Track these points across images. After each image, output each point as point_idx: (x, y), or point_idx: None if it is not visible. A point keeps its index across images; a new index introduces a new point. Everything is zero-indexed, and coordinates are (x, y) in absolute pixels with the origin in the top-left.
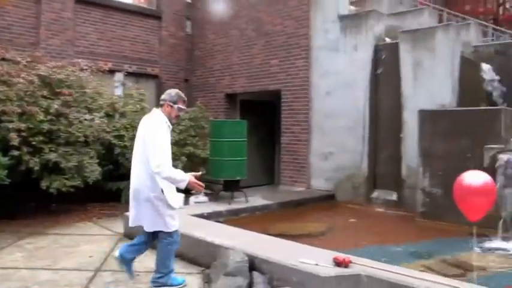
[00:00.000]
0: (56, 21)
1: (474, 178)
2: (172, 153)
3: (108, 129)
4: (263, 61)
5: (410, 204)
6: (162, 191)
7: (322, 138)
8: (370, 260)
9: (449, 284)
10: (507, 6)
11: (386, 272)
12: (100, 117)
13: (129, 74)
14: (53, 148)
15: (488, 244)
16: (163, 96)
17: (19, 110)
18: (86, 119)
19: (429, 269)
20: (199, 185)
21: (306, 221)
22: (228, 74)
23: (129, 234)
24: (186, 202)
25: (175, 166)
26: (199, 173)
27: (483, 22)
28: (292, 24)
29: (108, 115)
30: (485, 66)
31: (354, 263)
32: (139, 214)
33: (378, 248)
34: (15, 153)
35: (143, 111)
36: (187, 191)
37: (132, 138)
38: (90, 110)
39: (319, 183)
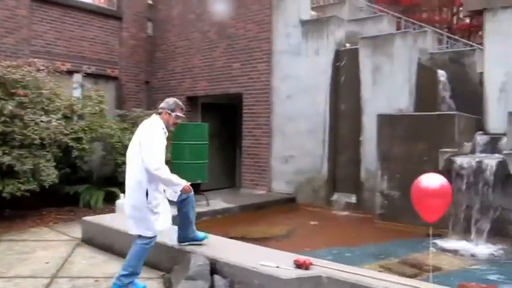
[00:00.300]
0: (10, 18)
1: (431, 180)
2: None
3: (65, 132)
4: (225, 64)
5: (369, 206)
6: (147, 194)
7: (283, 141)
8: (330, 262)
9: (406, 284)
10: (460, 16)
11: (346, 273)
12: (57, 119)
13: (87, 75)
14: (6, 151)
15: (444, 244)
16: (161, 105)
17: None
18: (42, 121)
19: (387, 270)
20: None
21: (267, 224)
22: (190, 77)
23: (87, 239)
24: None
25: None
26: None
27: (439, 30)
28: (254, 28)
29: (66, 117)
30: (441, 73)
31: (315, 264)
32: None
33: (338, 249)
34: None
35: (102, 113)
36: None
37: (91, 141)
38: (46, 112)
39: (280, 186)
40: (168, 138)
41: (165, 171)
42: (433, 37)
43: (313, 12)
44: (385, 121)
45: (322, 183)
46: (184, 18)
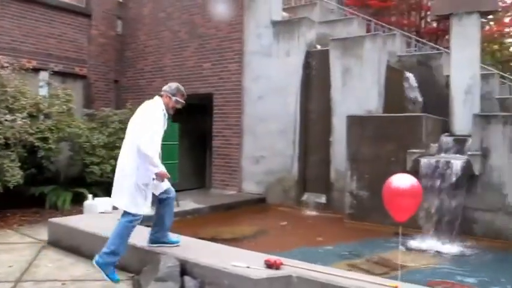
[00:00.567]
0: None
1: (402, 181)
2: (101, 156)
3: (31, 131)
4: (196, 64)
5: (338, 206)
6: (138, 169)
7: (253, 142)
8: (300, 262)
9: (375, 282)
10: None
11: (316, 272)
12: (22, 118)
13: (55, 73)
14: None
15: (412, 243)
16: (164, 88)
17: None
18: (6, 120)
19: (357, 268)
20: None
21: (237, 224)
22: (160, 76)
23: (53, 242)
24: (115, 207)
25: (102, 169)
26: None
27: (407, 34)
28: (226, 28)
29: (31, 116)
30: (409, 75)
31: (285, 264)
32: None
33: (308, 249)
34: None
35: (70, 113)
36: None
37: (58, 141)
38: (11, 110)
39: (251, 187)
40: None
41: (150, 148)
42: (401, 40)
43: (284, 13)
44: (355, 122)
45: (293, 184)
46: (155, 17)
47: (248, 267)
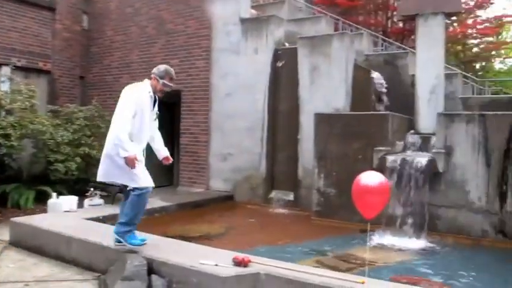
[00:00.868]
0: None
1: (370, 178)
2: (66, 153)
3: None
4: (163, 60)
5: (306, 204)
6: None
7: (221, 139)
8: (268, 259)
9: (342, 278)
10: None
11: (284, 269)
12: None
13: (17, 68)
14: None
15: (378, 239)
16: (153, 70)
17: None
18: None
19: (324, 265)
20: (134, 164)
21: (205, 222)
22: (127, 72)
23: (16, 242)
24: (80, 205)
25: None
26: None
27: (374, 33)
28: (194, 25)
29: None
30: (375, 74)
31: (253, 262)
32: (108, 170)
33: (276, 246)
34: None
35: (33, 109)
36: (81, 193)
37: (21, 138)
38: None
39: (218, 184)
40: None
41: (120, 130)
42: (368, 39)
43: (253, 11)
44: (322, 120)
45: (261, 181)
46: (122, 12)
47: (216, 265)
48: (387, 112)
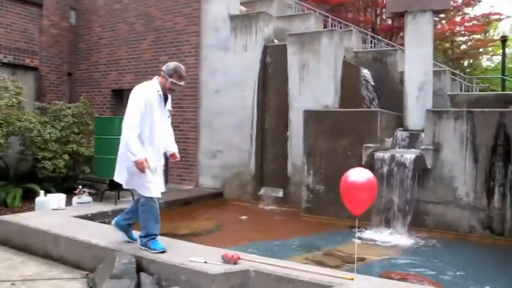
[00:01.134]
0: None
1: (358, 175)
2: (53, 151)
3: None
4: (152, 57)
5: (295, 200)
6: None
7: (210, 136)
8: (257, 256)
9: (331, 275)
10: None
11: (273, 266)
12: None
13: (3, 65)
14: None
15: (367, 236)
16: (163, 67)
17: None
18: None
19: (313, 262)
20: (143, 168)
21: (194, 219)
22: (115, 69)
23: (2, 241)
24: (68, 203)
25: (55, 165)
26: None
27: (363, 30)
28: (183, 21)
29: None
30: (364, 71)
31: (243, 259)
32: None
33: (265, 243)
34: None
35: (20, 106)
36: (69, 191)
37: (7, 135)
38: None
39: (207, 181)
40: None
41: (128, 132)
42: (357, 36)
43: (242, 8)
44: (312, 117)
45: (250, 178)
46: (110, 8)
47: (205, 262)
48: (376, 109)
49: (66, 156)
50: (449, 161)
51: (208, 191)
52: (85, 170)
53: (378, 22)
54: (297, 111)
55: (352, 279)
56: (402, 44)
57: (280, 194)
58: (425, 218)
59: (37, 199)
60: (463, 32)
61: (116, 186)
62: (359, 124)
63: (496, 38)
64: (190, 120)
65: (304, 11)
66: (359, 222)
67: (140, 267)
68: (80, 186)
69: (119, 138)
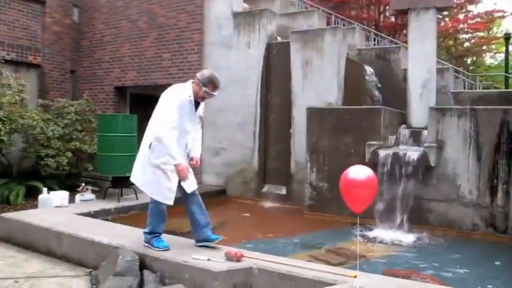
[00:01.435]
0: None
1: (358, 172)
2: (56, 148)
3: None
4: (155, 54)
5: (298, 198)
6: (150, 147)
7: (213, 133)
8: (261, 253)
9: (334, 272)
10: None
11: (277, 263)
12: None
13: (6, 62)
14: None
15: (370, 233)
16: (197, 74)
17: None
18: None
19: (316, 259)
20: (186, 175)
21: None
22: (118, 67)
23: (5, 238)
24: (71, 200)
25: (58, 162)
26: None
27: (366, 27)
28: (186, 19)
29: None
30: (368, 68)
31: (246, 256)
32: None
33: (269, 241)
34: None
35: (23, 103)
36: (72, 188)
37: (10, 132)
38: None
39: (211, 179)
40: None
41: (166, 135)
42: (361, 34)
43: (245, 5)
44: (315, 114)
45: (253, 176)
46: (113, 5)
47: (209, 260)
48: (379, 106)
49: (69, 154)
50: (453, 158)
51: (211, 189)
52: (88, 168)
53: (381, 19)
54: (300, 108)
55: (355, 276)
56: (405, 42)
57: (283, 191)
58: (429, 216)
59: (40, 196)
60: (466, 30)
61: (119, 184)
62: (362, 122)
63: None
64: None
65: (307, 8)
66: (363, 220)
67: (143, 264)
68: (83, 184)
69: (121, 136)
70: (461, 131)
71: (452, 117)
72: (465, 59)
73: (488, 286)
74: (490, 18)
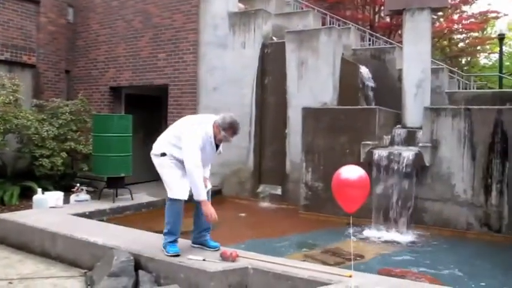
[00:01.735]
0: None
1: (350, 172)
2: (51, 149)
3: None
4: (150, 54)
5: (294, 198)
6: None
7: None
8: (256, 253)
9: (329, 272)
10: (382, 14)
11: (272, 263)
12: None
13: (0, 62)
14: None
15: (366, 233)
16: (219, 117)
17: None
18: None
19: (312, 259)
20: (212, 216)
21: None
22: (113, 67)
23: (1, 239)
24: (66, 201)
25: (53, 162)
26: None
27: (361, 28)
28: (181, 19)
29: None
30: (363, 68)
31: (241, 256)
32: None
33: (265, 241)
34: None
35: (17, 103)
36: (67, 189)
37: (4, 133)
38: None
39: None
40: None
41: (196, 174)
42: (356, 34)
43: (240, 5)
44: (310, 114)
45: (249, 175)
46: (108, 5)
47: (204, 260)
48: (374, 106)
49: (64, 154)
50: (447, 158)
51: (207, 188)
52: (83, 168)
53: (376, 20)
54: (296, 108)
55: (350, 276)
56: (400, 42)
57: (279, 191)
58: (424, 215)
59: (35, 197)
60: (460, 30)
61: (114, 184)
62: (357, 122)
63: (493, 36)
64: None
65: (302, 8)
66: (358, 220)
67: (138, 265)
68: (78, 184)
69: (116, 136)
70: (455, 131)
71: (447, 117)
72: (460, 59)
73: (482, 284)
74: (484, 19)
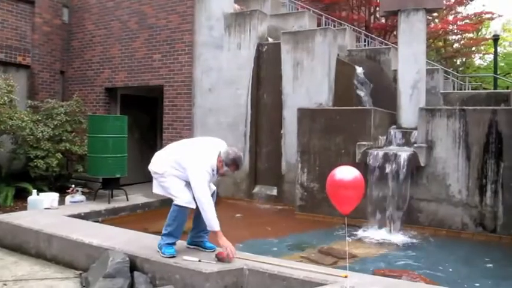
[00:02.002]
0: None
1: (344, 173)
2: (46, 149)
3: None
4: (146, 55)
5: (289, 198)
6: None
7: (204, 134)
8: (252, 254)
9: (324, 272)
10: (377, 15)
11: (268, 264)
12: None
13: None
14: None
15: (361, 233)
16: (223, 151)
17: None
18: None
19: (308, 259)
20: (228, 249)
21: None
22: (108, 67)
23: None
24: (61, 202)
25: (48, 163)
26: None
27: (357, 28)
28: (176, 19)
29: None
30: (358, 69)
31: (237, 257)
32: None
33: (259, 241)
34: None
35: (12, 104)
36: (62, 190)
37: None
38: None
39: None
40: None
41: (209, 207)
42: (351, 35)
43: (236, 6)
44: (305, 115)
45: (244, 176)
46: (103, 6)
47: (200, 261)
48: (370, 107)
49: (59, 155)
50: (442, 158)
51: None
52: (78, 169)
53: (372, 21)
54: (291, 109)
55: (346, 276)
56: (395, 43)
57: (274, 192)
58: (419, 215)
59: (29, 198)
60: (455, 31)
61: (109, 185)
62: (353, 122)
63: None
64: (184, 118)
65: (298, 9)
66: (353, 220)
67: (134, 266)
68: (73, 185)
69: (111, 137)
70: (450, 131)
71: (442, 118)
72: (454, 60)
73: (476, 284)
74: (479, 20)
